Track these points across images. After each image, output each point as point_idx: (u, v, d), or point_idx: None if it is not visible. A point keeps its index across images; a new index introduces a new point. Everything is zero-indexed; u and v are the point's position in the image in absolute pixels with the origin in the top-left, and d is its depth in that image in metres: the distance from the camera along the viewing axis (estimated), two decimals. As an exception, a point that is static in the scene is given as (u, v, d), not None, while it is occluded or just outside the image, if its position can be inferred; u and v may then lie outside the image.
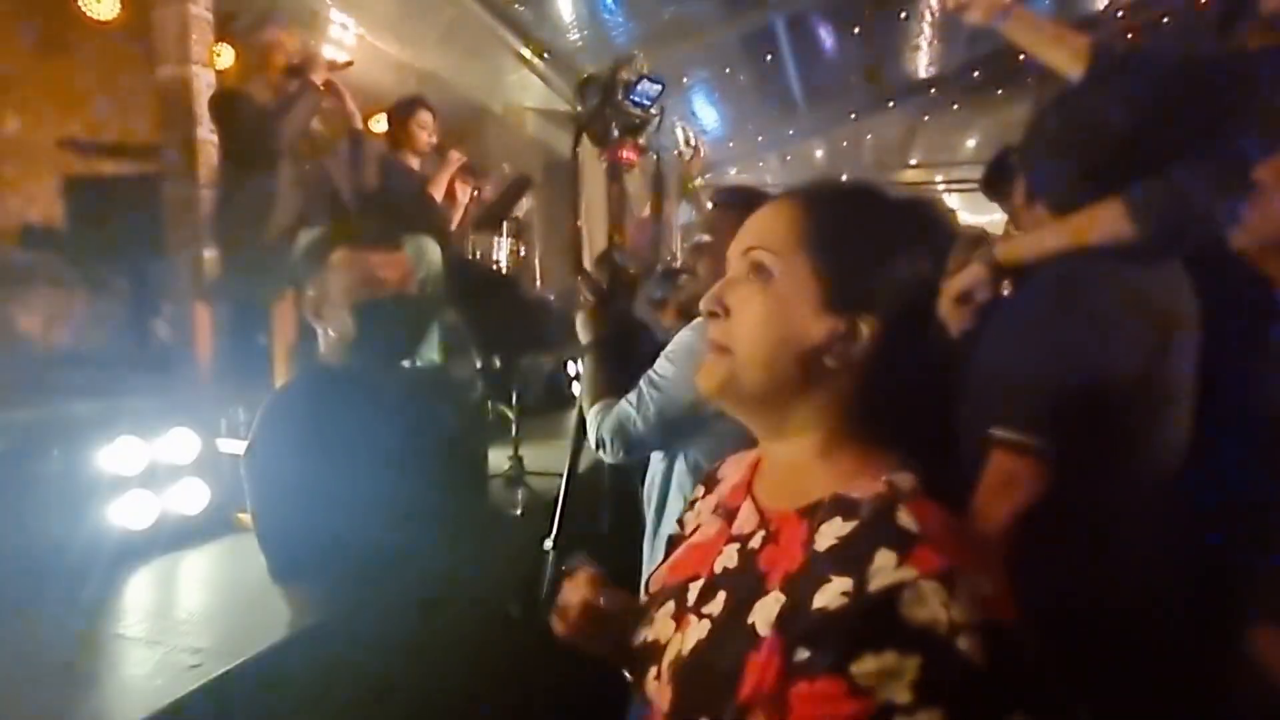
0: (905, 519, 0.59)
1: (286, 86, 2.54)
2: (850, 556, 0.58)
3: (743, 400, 0.71)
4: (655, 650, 0.73)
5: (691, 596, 0.73)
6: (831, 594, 0.57)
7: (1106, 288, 1.15)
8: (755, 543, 0.69)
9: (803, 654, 0.56)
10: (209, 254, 2.69)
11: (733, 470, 0.85)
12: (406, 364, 1.36)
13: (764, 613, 0.62)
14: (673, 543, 0.86)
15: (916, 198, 0.73)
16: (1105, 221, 1.18)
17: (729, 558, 0.71)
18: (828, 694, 0.54)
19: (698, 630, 0.68)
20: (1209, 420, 1.16)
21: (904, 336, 0.67)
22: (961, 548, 0.58)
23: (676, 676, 0.68)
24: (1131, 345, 1.14)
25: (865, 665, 0.53)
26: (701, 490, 0.88)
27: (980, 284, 1.32)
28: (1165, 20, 5.06)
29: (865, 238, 0.68)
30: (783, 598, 0.61)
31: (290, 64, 2.54)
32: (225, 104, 2.58)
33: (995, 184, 2.17)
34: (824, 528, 0.62)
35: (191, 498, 2.19)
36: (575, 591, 0.86)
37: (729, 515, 0.77)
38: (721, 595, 0.68)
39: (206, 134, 2.71)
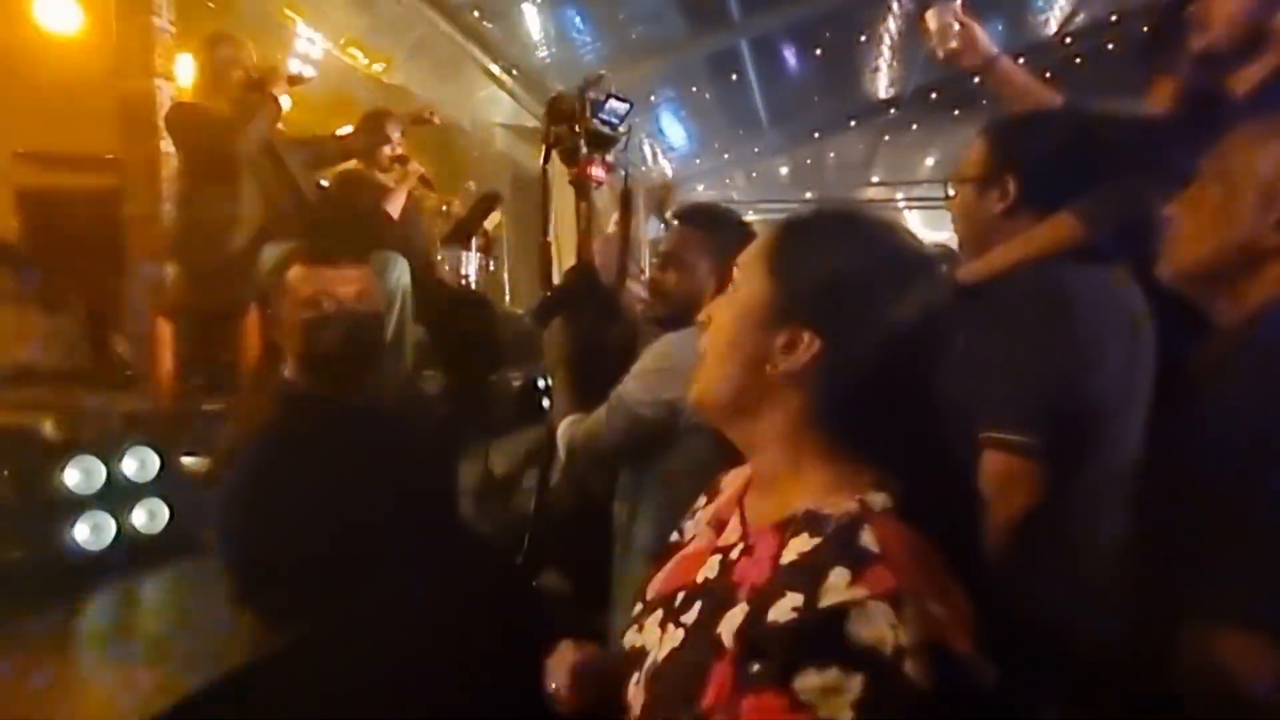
0: (867, 538, 0.59)
1: (245, 100, 2.50)
2: (807, 572, 0.59)
3: (711, 407, 0.74)
4: (640, 657, 0.74)
5: (677, 605, 0.74)
6: (783, 608, 0.57)
7: (1086, 287, 1.19)
8: (734, 554, 0.71)
9: (753, 666, 0.57)
10: (171, 269, 2.64)
11: (732, 481, 0.86)
12: (372, 380, 1.35)
13: (730, 624, 0.63)
14: (671, 550, 0.86)
15: (889, 224, 0.74)
16: (1061, 231, 1.23)
17: (710, 568, 0.73)
18: (770, 707, 0.54)
19: (672, 638, 0.70)
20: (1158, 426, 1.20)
21: (856, 351, 0.67)
22: (920, 571, 0.58)
23: (650, 682, 0.69)
24: (1114, 342, 1.17)
25: (808, 681, 0.53)
26: (704, 500, 0.89)
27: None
28: (1110, 47, 5.29)
29: (815, 255, 0.71)
30: (747, 609, 0.62)
31: (248, 77, 2.51)
32: (182, 117, 2.54)
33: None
34: (792, 542, 0.63)
35: (152, 518, 2.13)
36: (561, 663, 0.86)
37: (719, 527, 0.79)
38: (698, 605, 0.70)
39: (168, 147, 2.67)
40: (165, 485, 2.15)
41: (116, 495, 2.05)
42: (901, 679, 0.52)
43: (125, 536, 2.05)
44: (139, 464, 2.13)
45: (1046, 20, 7.00)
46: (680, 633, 0.69)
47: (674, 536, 0.89)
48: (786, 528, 0.65)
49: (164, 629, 1.85)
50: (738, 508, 0.77)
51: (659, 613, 0.76)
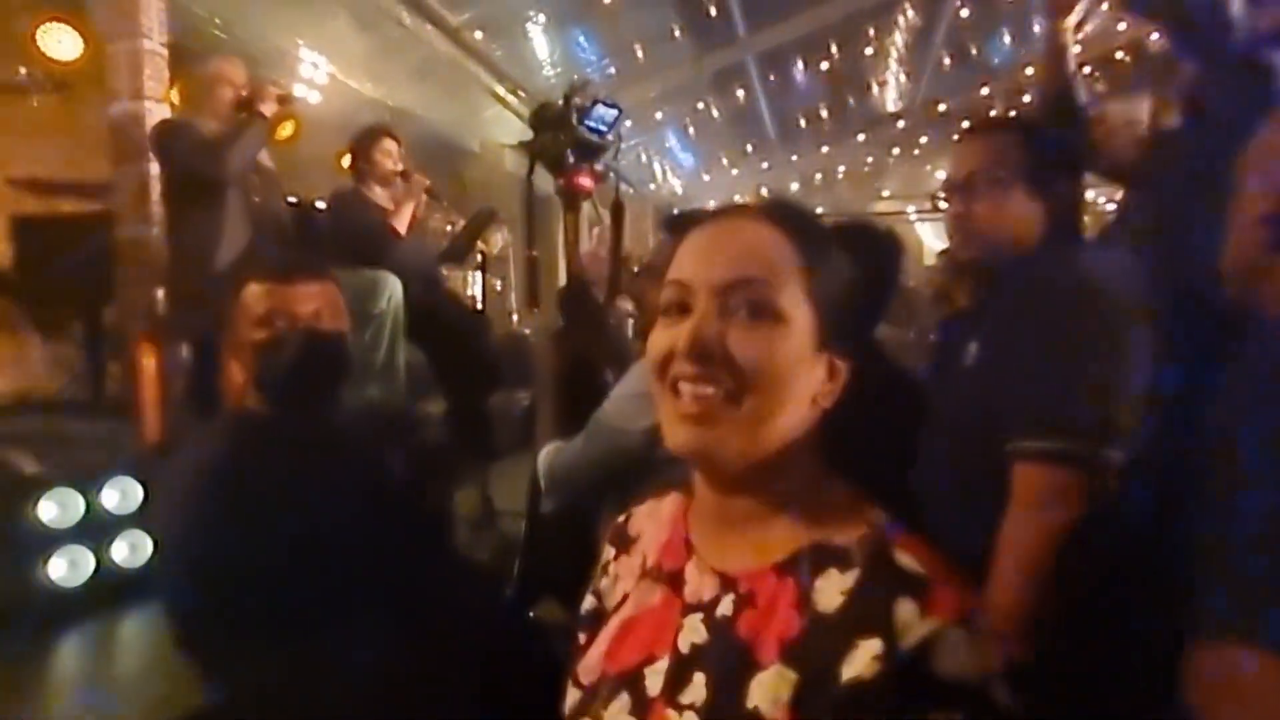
0: (905, 560, 0.55)
1: (234, 119, 2.45)
2: (867, 613, 0.53)
3: (759, 461, 0.60)
4: None
5: (654, 684, 0.62)
6: (863, 660, 0.51)
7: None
8: (725, 609, 0.60)
9: None
10: (160, 294, 2.59)
11: (649, 524, 0.74)
12: (335, 404, 1.26)
13: (766, 692, 0.54)
14: (595, 619, 0.73)
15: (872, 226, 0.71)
16: None
17: (694, 631, 0.61)
18: None
19: None
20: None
21: (865, 374, 0.63)
22: (962, 579, 0.55)
23: None
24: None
25: None
26: (612, 551, 0.76)
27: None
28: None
29: (837, 276, 0.64)
30: (790, 673, 0.54)
31: (237, 96, 2.47)
32: (167, 134, 2.49)
33: None
34: (820, 583, 0.56)
35: (134, 551, 2.06)
36: None
37: (672, 580, 0.66)
38: (699, 679, 0.59)
39: (157, 170, 2.63)
40: (149, 517, 2.08)
41: (95, 528, 1.98)
42: (993, 705, 0.51)
43: (105, 571, 1.98)
44: (120, 495, 2.07)
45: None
46: (692, 716, 0.58)
47: (589, 602, 0.76)
48: (795, 567, 0.58)
49: (144, 669, 1.78)
50: (691, 555, 0.66)
51: (623, 698, 0.63)
